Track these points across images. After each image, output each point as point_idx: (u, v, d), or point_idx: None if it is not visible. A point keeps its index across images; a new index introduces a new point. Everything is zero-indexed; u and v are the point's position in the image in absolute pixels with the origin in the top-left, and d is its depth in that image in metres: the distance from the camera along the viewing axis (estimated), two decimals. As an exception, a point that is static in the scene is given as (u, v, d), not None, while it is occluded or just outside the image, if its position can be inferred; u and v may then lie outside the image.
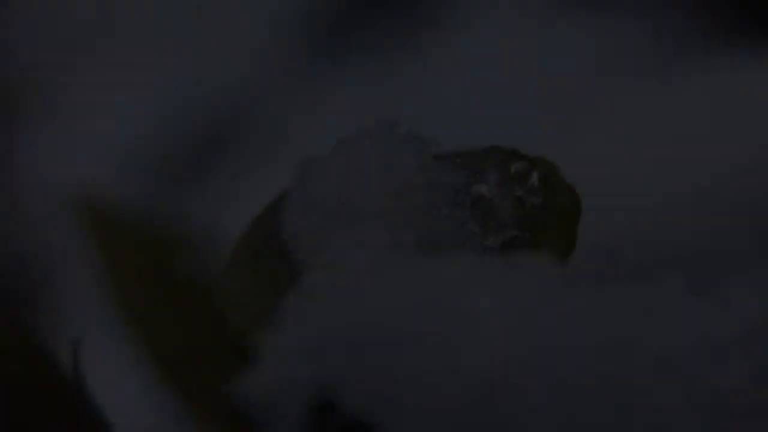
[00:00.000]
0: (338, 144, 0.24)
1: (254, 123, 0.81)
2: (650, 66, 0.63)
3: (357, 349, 0.21)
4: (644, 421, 0.21)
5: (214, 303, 0.25)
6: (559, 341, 0.21)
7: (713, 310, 0.21)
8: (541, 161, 0.25)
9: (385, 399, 0.21)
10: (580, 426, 0.21)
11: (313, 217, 0.23)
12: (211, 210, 0.73)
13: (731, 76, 0.38)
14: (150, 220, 0.39)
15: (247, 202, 0.28)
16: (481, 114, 0.73)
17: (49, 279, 0.76)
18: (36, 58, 0.89)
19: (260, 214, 0.25)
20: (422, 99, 0.77)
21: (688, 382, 0.21)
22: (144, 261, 0.38)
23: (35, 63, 0.88)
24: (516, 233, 0.25)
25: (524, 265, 0.22)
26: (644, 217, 0.35)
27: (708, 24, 0.69)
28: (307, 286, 0.22)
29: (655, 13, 0.72)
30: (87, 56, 0.88)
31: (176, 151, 0.80)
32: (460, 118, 0.74)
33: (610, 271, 0.23)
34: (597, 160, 0.37)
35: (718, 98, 0.37)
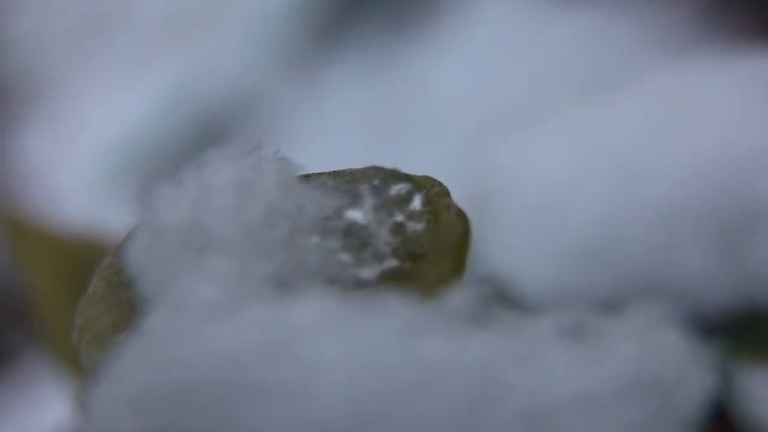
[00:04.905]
0: (193, 167, 0.22)
1: (247, 123, 0.79)
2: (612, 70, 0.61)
3: (190, 399, 0.19)
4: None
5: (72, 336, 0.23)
6: (413, 394, 0.19)
7: (587, 358, 0.19)
8: (426, 181, 0.23)
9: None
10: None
11: (161, 247, 0.21)
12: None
13: (693, 78, 0.35)
14: (78, 232, 0.37)
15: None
16: (469, 113, 0.71)
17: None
18: (30, 55, 0.88)
19: (120, 242, 0.23)
20: (416, 97, 0.75)
21: (558, 440, 0.19)
22: (64, 269, 0.36)
23: (29, 59, 0.87)
24: (395, 264, 0.22)
25: (385, 307, 0.20)
26: (578, 240, 0.33)
27: (678, 27, 0.67)
28: (146, 326, 0.20)
29: (626, 15, 0.70)
30: (82, 52, 0.87)
31: (165, 151, 0.78)
32: (451, 116, 0.72)
33: (488, 308, 0.21)
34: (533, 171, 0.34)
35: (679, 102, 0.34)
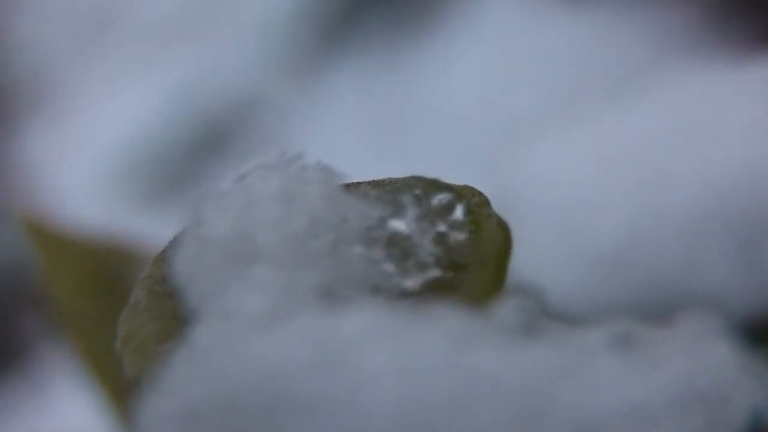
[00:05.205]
0: (237, 178, 0.22)
1: (251, 124, 0.79)
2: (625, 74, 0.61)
3: (238, 411, 0.19)
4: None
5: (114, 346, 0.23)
6: (461, 405, 0.19)
7: (637, 370, 0.19)
8: (467, 191, 0.23)
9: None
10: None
11: (206, 257, 0.21)
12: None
13: (709, 84, 0.35)
14: (98, 237, 0.37)
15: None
16: (475, 115, 0.71)
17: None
18: (35, 57, 0.87)
19: (162, 250, 0.23)
20: (422, 100, 0.75)
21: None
22: (88, 277, 0.36)
23: (34, 62, 0.87)
24: (438, 274, 0.22)
25: (433, 318, 0.20)
26: (601, 247, 0.33)
27: (691, 30, 0.67)
28: (193, 338, 0.20)
29: (639, 19, 0.70)
30: (86, 54, 0.86)
31: (169, 156, 0.78)
32: (457, 117, 0.72)
33: (536, 319, 0.21)
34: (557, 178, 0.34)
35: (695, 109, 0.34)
